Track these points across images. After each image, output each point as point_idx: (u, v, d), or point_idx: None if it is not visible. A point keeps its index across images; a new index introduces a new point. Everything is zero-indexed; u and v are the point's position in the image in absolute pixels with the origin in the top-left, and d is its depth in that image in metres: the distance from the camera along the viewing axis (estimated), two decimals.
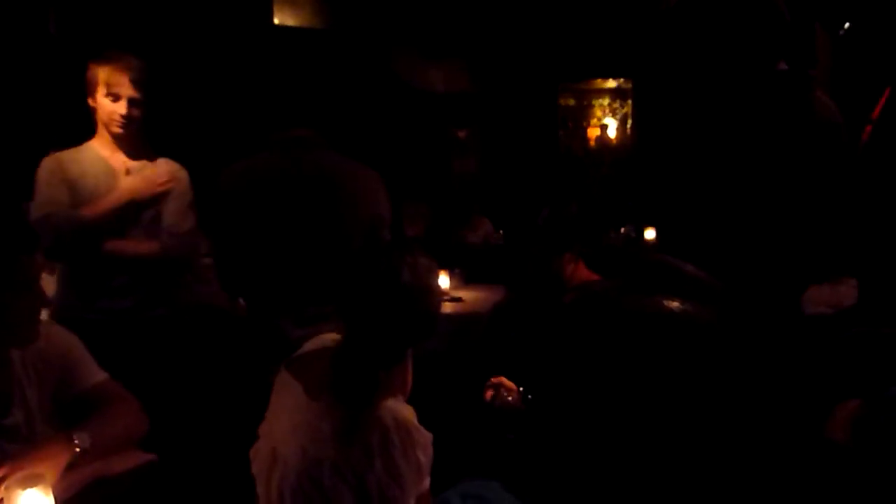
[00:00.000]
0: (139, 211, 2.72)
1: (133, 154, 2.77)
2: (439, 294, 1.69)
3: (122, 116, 2.67)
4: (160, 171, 2.77)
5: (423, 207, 5.08)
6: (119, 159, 2.74)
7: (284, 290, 2.32)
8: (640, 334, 1.84)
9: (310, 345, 1.76)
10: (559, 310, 2.10)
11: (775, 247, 2.04)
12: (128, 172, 2.73)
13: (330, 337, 1.74)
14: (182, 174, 2.85)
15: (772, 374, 1.81)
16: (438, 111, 7.53)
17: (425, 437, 1.63)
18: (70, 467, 1.66)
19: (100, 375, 1.91)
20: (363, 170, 2.41)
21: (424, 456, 1.61)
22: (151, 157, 2.82)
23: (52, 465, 1.63)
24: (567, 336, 1.98)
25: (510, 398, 2.33)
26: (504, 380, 2.37)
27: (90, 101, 2.68)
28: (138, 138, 2.77)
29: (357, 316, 1.63)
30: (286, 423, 1.66)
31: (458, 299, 4.13)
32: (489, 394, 2.37)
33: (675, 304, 1.82)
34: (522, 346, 2.56)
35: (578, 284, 2.18)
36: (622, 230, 5.84)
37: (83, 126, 2.75)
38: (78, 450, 1.68)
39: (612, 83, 10.35)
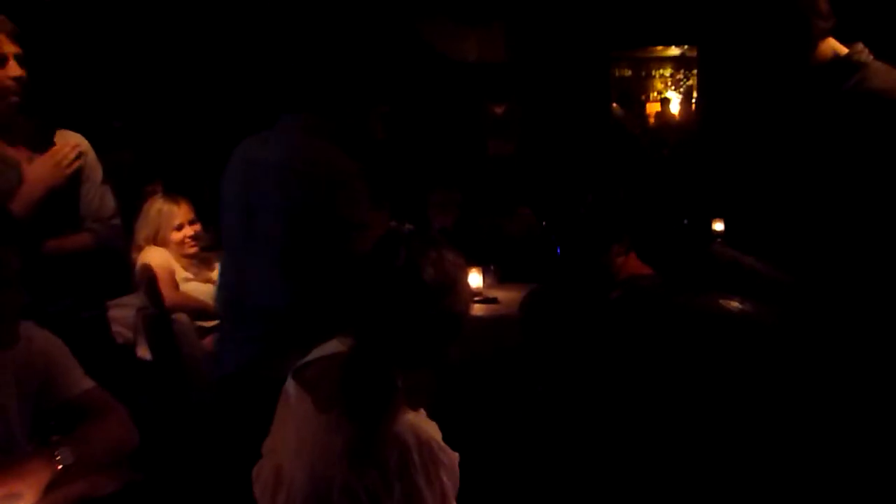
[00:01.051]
0: (66, 201, 2.70)
1: (24, 129, 2.68)
2: (468, 293, 1.70)
3: (15, 79, 2.55)
4: (64, 151, 2.67)
5: (453, 195, 5.09)
6: (10, 141, 2.65)
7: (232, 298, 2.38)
8: (692, 337, 1.83)
9: (320, 350, 1.78)
10: (604, 307, 2.10)
11: (864, 239, 2.01)
12: (30, 160, 2.64)
13: (343, 342, 1.76)
14: (85, 145, 2.79)
15: (848, 386, 1.79)
16: (472, 84, 7.52)
17: (451, 457, 1.63)
18: (52, 486, 1.69)
19: (86, 383, 1.95)
20: (350, 167, 2.34)
21: (450, 479, 1.61)
22: (42, 130, 2.74)
23: (32, 484, 1.66)
24: (611, 336, 1.98)
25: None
26: None
27: None
28: (18, 111, 2.65)
29: (372, 317, 1.64)
30: (292, 440, 1.68)
31: (493, 300, 4.13)
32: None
33: (733, 304, 1.81)
34: (559, 344, 2.56)
35: (626, 279, 2.18)
36: (685, 221, 5.79)
37: None
38: (60, 467, 1.71)
39: (674, 50, 10.26)
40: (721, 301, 1.84)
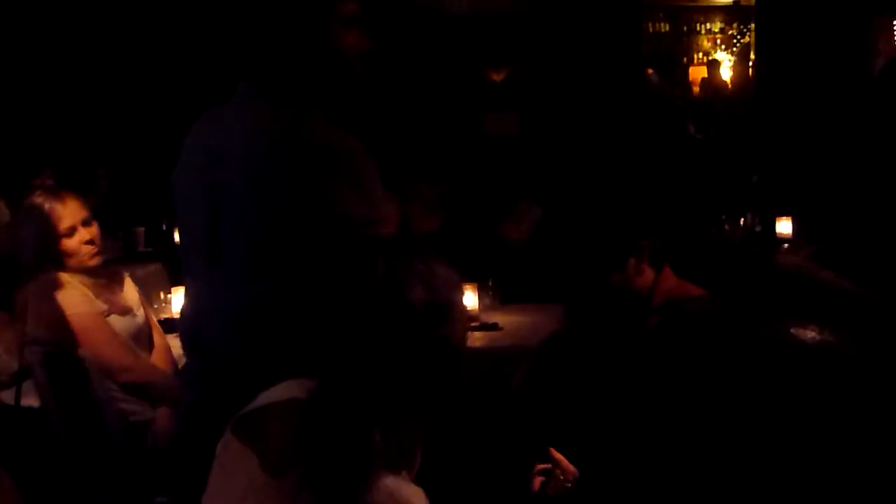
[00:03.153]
0: None
1: None
2: (466, 319, 1.71)
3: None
4: None
5: (438, 190, 5.10)
6: None
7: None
8: (758, 375, 1.84)
9: (267, 396, 1.78)
10: (638, 340, 2.11)
11: None
12: None
13: (298, 385, 1.77)
14: None
15: None
16: (463, 43, 7.55)
17: None
18: None
19: None
20: (343, 143, 2.34)
21: None
22: None
23: None
24: (650, 378, 1.99)
25: (569, 485, 2.34)
26: (560, 458, 2.37)
27: None
28: None
29: (340, 352, 1.65)
30: None
31: (493, 326, 4.14)
32: (538, 481, 2.37)
33: (809, 334, 1.83)
34: (580, 392, 2.57)
35: (666, 301, 2.19)
36: (742, 220, 5.84)
37: None
38: None
39: None
40: (793, 330, 1.85)
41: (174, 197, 2.40)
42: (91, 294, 3.60)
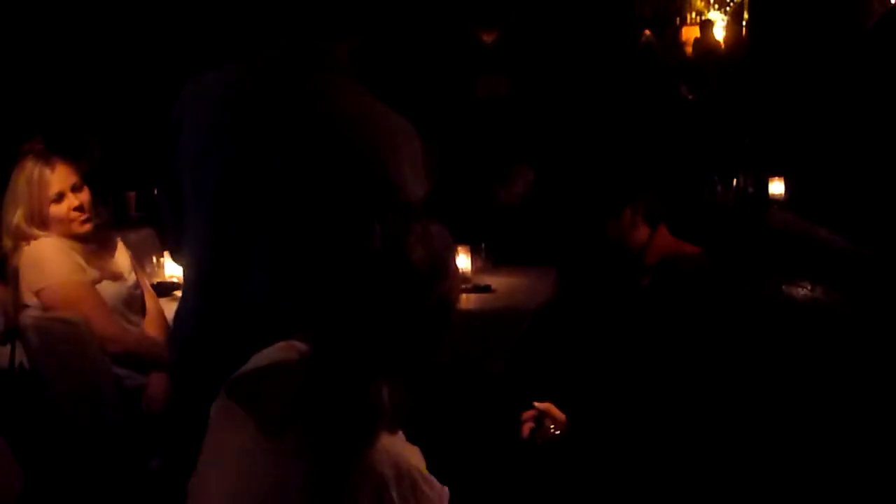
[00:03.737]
0: None
1: None
2: (458, 277, 1.72)
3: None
4: None
5: (427, 153, 5.09)
6: None
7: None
8: (748, 332, 1.85)
9: (261, 358, 1.79)
10: (632, 297, 2.12)
11: None
12: None
13: (293, 346, 1.77)
14: None
15: None
16: (452, 5, 7.51)
17: (438, 491, 1.66)
18: None
19: None
20: (385, 116, 2.37)
21: None
22: None
23: None
24: (644, 336, 2.00)
25: (558, 432, 2.36)
26: (550, 407, 2.39)
27: None
28: None
29: (342, 311, 1.65)
30: (230, 476, 1.69)
31: (486, 288, 4.16)
32: (527, 427, 2.39)
33: (800, 291, 1.83)
34: (574, 351, 2.59)
35: (660, 260, 2.20)
36: (734, 181, 5.84)
37: None
38: None
39: None
40: (785, 286, 1.86)
41: (180, 139, 2.36)
42: (82, 261, 3.59)
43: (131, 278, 3.70)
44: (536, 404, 2.40)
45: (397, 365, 1.69)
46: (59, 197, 3.56)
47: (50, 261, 3.53)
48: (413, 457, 1.66)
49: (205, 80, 2.38)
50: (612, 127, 6.61)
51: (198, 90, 2.38)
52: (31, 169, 3.57)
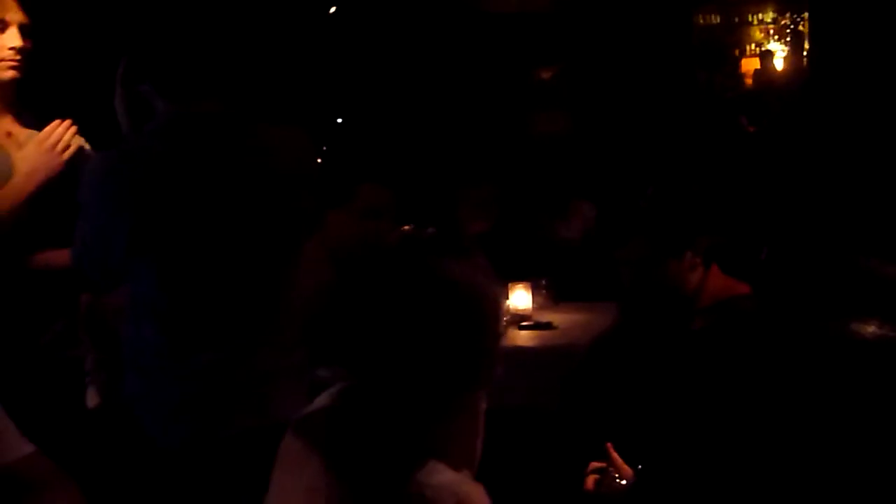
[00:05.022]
0: (53, 200, 2.79)
1: (19, 118, 2.86)
2: (500, 304, 1.73)
3: (16, 50, 2.72)
4: (57, 132, 2.78)
5: (488, 191, 5.12)
6: (2, 128, 2.81)
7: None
8: (817, 373, 1.82)
9: (324, 398, 1.82)
10: (686, 340, 2.11)
11: None
12: (20, 147, 2.78)
13: (349, 386, 1.80)
14: (82, 140, 2.91)
15: None
16: (511, 42, 7.54)
17: None
18: None
19: (25, 448, 2.00)
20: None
21: None
22: (37, 122, 2.87)
23: None
24: (700, 380, 1.99)
25: (624, 482, 2.34)
26: (615, 455, 2.37)
27: None
28: (15, 93, 2.83)
29: (381, 339, 1.67)
30: None
31: (548, 325, 4.16)
32: (592, 480, 2.38)
33: (869, 329, 1.79)
34: (634, 396, 2.58)
35: (714, 302, 2.19)
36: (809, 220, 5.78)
37: None
38: None
39: None
40: (854, 325, 1.81)
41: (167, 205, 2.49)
42: None
43: None
44: (610, 448, 2.39)
45: (448, 389, 1.69)
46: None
47: None
48: (476, 494, 1.67)
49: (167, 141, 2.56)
50: (674, 164, 6.58)
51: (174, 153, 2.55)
52: None
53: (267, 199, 2.53)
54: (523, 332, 4.14)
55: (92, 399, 3.63)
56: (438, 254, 1.69)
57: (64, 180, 2.76)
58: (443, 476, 1.63)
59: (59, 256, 2.78)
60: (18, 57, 2.73)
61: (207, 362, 2.46)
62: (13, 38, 2.72)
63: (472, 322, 1.67)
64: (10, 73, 2.75)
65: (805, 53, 9.92)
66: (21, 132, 2.84)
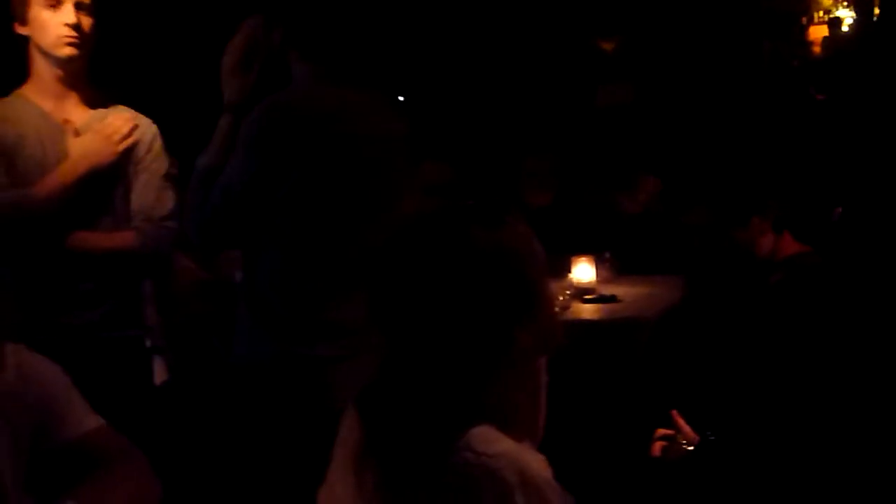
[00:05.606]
0: (105, 186, 2.85)
1: (83, 99, 2.88)
2: (535, 266, 1.70)
3: (72, 27, 2.73)
4: (116, 124, 2.86)
5: (550, 163, 5.08)
6: (63, 111, 2.84)
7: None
8: (880, 325, 1.80)
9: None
10: (764, 295, 2.08)
11: None
12: (77, 133, 2.82)
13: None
14: (151, 129, 2.97)
15: None
16: (573, 13, 7.49)
17: (564, 500, 1.64)
18: None
19: (93, 421, 2.02)
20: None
21: None
22: (104, 104, 2.93)
23: None
24: (777, 332, 1.95)
25: (690, 448, 2.33)
26: (681, 422, 2.36)
27: (18, 28, 2.78)
28: (85, 75, 2.88)
29: (409, 305, 1.66)
30: (353, 488, 1.71)
31: (612, 298, 4.13)
32: (659, 446, 2.37)
33: None
34: (701, 358, 2.54)
35: (788, 257, 2.16)
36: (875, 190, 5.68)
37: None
38: None
39: None
40: None
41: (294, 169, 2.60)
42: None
43: None
44: (675, 416, 2.38)
45: (484, 361, 1.67)
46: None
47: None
48: (539, 465, 1.64)
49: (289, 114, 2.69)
50: (739, 132, 6.50)
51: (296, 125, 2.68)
52: None
53: (390, 160, 2.73)
54: (588, 306, 4.12)
55: (160, 375, 3.69)
56: (471, 221, 1.67)
57: (113, 169, 2.86)
58: (502, 445, 1.61)
59: (100, 240, 2.85)
60: (75, 34, 2.74)
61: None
62: (68, 14, 2.73)
63: (497, 282, 1.64)
64: (68, 51, 2.76)
65: (874, 19, 9.73)
66: (81, 117, 2.87)
